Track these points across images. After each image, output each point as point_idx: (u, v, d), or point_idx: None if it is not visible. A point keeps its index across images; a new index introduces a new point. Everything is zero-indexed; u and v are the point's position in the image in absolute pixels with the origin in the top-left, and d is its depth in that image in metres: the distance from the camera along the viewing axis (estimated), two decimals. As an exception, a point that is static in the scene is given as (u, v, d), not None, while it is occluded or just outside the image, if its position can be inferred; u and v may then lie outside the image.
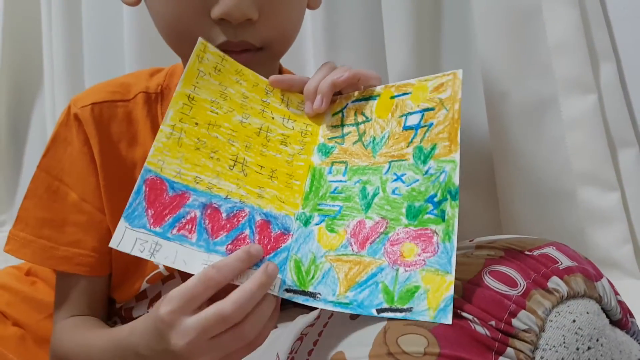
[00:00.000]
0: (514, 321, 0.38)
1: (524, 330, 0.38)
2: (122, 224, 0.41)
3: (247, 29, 0.49)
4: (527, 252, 0.42)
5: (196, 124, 0.46)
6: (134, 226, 0.41)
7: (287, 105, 0.51)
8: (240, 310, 0.38)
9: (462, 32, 0.76)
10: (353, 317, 0.43)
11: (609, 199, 0.67)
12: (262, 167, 0.47)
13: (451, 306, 0.37)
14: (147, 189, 0.43)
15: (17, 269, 0.76)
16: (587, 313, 0.39)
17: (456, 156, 0.42)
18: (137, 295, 0.62)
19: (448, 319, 0.37)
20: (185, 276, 0.61)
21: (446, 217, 0.40)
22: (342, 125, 0.50)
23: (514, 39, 0.69)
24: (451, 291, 0.37)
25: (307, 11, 0.86)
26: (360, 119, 0.50)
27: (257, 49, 0.51)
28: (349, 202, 0.45)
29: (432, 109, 0.46)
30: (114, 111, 0.58)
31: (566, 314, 0.39)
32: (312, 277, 0.43)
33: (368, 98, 0.50)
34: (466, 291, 0.39)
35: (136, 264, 0.60)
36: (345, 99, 0.51)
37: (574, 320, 0.39)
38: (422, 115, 0.46)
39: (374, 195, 0.45)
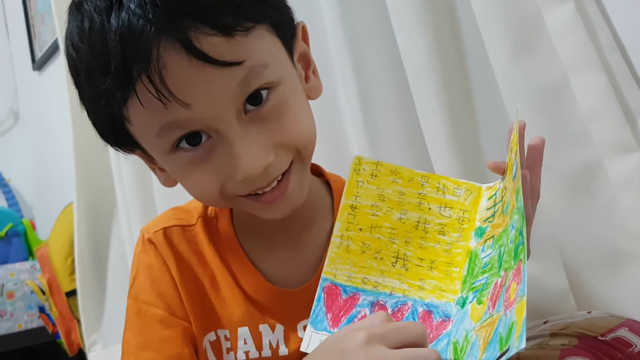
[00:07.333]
0: (597, 411, 0.39)
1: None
2: (309, 329, 0.49)
3: (272, 165, 0.52)
4: (600, 338, 0.43)
5: (360, 229, 0.52)
6: (317, 329, 0.49)
7: (443, 193, 0.53)
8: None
9: (495, 112, 0.79)
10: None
11: (676, 255, 0.66)
12: (422, 259, 0.51)
13: (525, 328, 0.37)
14: (325, 296, 0.50)
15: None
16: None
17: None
18: None
19: (523, 343, 0.36)
20: None
21: (523, 240, 0.41)
22: (495, 204, 0.50)
23: (547, 112, 0.71)
24: (525, 312, 0.37)
25: (346, 111, 0.92)
26: (504, 193, 0.50)
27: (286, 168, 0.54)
28: (491, 270, 0.46)
29: None
30: (183, 234, 0.66)
31: (647, 399, 0.39)
32: (464, 352, 0.44)
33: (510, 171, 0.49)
34: (547, 383, 0.40)
35: None
36: (500, 181, 0.52)
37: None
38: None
39: (504, 252, 0.45)
